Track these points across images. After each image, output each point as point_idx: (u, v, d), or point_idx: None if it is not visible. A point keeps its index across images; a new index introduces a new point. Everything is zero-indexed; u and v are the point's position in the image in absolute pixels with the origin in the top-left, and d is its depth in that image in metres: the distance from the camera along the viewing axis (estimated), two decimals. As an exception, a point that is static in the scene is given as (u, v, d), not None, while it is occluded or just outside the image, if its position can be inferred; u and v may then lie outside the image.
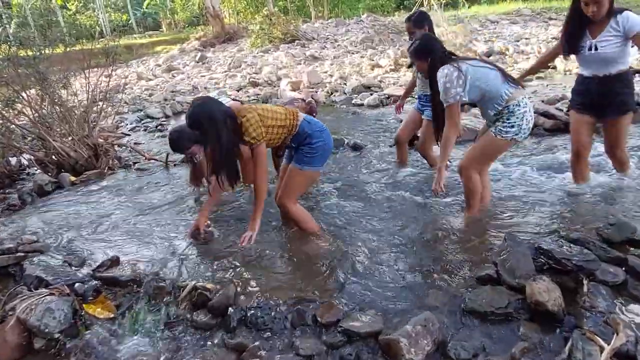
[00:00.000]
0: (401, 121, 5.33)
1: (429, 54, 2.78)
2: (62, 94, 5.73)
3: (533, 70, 3.53)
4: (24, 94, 5.44)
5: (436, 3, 10.28)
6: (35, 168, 5.72)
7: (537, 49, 9.47)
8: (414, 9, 14.27)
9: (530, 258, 2.20)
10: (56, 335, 2.22)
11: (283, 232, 3.02)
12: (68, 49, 5.79)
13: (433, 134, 3.79)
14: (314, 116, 3.84)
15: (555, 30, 11.85)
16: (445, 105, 2.69)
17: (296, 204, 2.91)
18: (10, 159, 5.60)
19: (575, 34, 2.83)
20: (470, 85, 2.66)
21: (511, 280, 2.14)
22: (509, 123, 2.70)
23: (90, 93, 5.38)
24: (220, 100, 3.49)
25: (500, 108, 2.72)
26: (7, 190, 4.99)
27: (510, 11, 16.87)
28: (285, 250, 2.81)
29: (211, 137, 2.55)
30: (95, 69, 5.92)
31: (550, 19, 14.59)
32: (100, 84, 5.72)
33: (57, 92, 5.60)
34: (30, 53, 5.51)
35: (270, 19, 15.71)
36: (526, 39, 11.46)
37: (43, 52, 5.57)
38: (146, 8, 37.16)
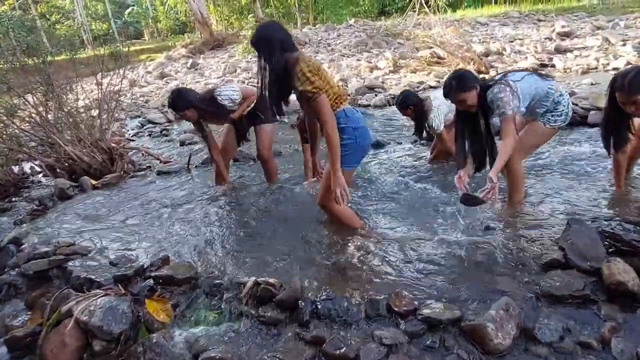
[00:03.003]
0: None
1: (472, 84, 2.76)
2: (68, 98, 5.63)
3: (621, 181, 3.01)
4: (29, 99, 5.32)
5: (434, 6, 10.41)
6: (40, 175, 5.59)
7: (532, 49, 9.65)
8: (406, 11, 14.41)
9: (599, 241, 2.22)
10: (118, 336, 2.15)
11: (329, 227, 2.99)
12: (76, 55, 5.70)
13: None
14: None
15: (547, 30, 12.10)
16: (502, 117, 2.69)
17: (334, 203, 2.79)
18: (13, 167, 5.45)
19: (624, 129, 2.73)
20: (522, 97, 2.73)
21: (582, 263, 2.14)
22: (557, 112, 2.81)
23: (101, 95, 5.27)
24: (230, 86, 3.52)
25: (548, 104, 2.82)
26: (13, 199, 4.85)
27: (498, 14, 17.21)
28: (336, 245, 2.77)
29: (264, 58, 2.52)
30: (103, 73, 5.82)
31: (540, 20, 14.91)
32: (109, 87, 5.63)
33: (63, 96, 5.49)
34: (35, 61, 5.41)
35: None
36: (520, 39, 11.68)
37: (46, 58, 5.47)
38: (127, 17, 36.75)
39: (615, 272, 1.97)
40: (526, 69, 2.95)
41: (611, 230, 2.26)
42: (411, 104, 3.93)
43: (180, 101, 3.43)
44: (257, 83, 2.63)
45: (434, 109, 3.85)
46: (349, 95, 8.07)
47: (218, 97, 3.47)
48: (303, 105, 2.74)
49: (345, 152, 2.64)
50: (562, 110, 2.81)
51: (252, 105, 3.63)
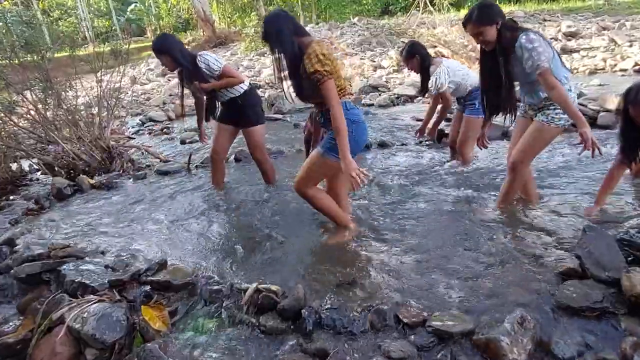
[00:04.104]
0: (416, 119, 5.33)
1: (494, 19, 2.50)
2: (67, 96, 5.54)
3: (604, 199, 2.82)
4: (28, 96, 5.23)
5: (439, 4, 10.31)
6: (39, 173, 5.50)
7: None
8: (410, 10, 14.30)
9: (617, 250, 2.11)
10: (112, 345, 2.06)
11: (325, 229, 2.89)
12: (75, 52, 5.62)
13: (470, 131, 3.76)
14: None
15: (553, 30, 11.97)
16: (539, 71, 2.45)
17: (311, 188, 2.69)
18: (10, 164, 5.37)
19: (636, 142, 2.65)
20: None
21: (600, 273, 2.04)
22: (560, 109, 2.58)
23: (100, 92, 5.18)
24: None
25: None
26: (10, 197, 4.76)
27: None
28: (341, 251, 2.66)
29: (278, 49, 2.43)
30: (102, 70, 5.73)
31: (545, 20, 14.75)
32: (109, 84, 5.54)
33: (62, 94, 5.41)
34: (34, 57, 5.32)
35: (265, 22, 15.53)
36: (525, 39, 11.52)
37: (46, 55, 5.37)
38: (130, 14, 36.64)
39: (637, 284, 1.86)
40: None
41: (629, 238, 2.15)
42: (418, 53, 3.75)
43: (159, 44, 3.40)
44: (275, 77, 2.54)
45: (442, 67, 3.68)
46: (351, 94, 7.96)
47: (198, 58, 3.41)
48: (311, 95, 2.56)
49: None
50: None
51: (236, 94, 3.52)
